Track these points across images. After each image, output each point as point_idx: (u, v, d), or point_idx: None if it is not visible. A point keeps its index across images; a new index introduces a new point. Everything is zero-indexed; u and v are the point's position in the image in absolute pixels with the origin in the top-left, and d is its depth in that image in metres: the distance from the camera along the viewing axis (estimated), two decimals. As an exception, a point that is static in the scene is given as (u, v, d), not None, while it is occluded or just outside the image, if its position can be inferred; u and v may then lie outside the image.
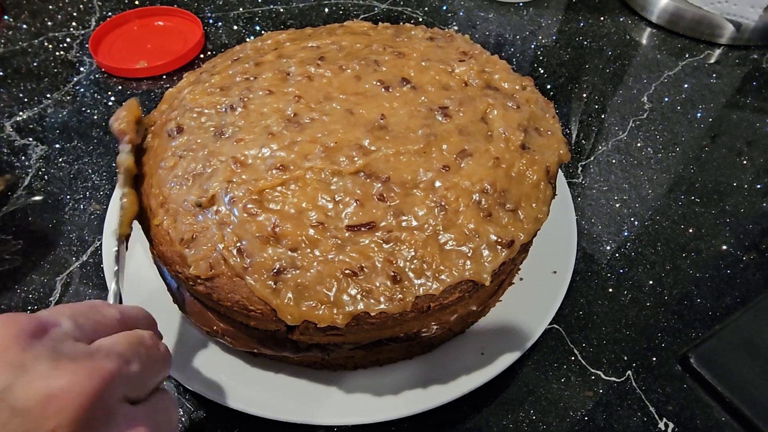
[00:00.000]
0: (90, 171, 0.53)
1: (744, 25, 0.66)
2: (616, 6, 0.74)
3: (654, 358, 0.41)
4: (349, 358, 0.36)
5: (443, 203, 0.32)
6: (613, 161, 0.55)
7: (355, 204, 0.32)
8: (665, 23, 0.70)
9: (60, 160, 0.54)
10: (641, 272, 0.46)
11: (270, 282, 0.30)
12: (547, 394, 0.39)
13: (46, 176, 0.52)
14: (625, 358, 0.41)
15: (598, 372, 0.40)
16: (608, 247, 0.48)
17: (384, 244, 0.31)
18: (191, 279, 0.32)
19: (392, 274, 0.30)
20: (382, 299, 0.30)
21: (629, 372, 0.40)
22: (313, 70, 0.40)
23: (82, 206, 0.50)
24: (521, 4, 0.74)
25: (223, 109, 0.38)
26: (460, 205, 0.33)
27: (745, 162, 0.56)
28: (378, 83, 0.39)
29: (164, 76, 0.63)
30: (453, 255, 0.31)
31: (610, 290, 0.45)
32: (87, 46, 0.65)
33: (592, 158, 0.55)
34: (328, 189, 0.33)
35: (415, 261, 0.31)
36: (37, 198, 0.51)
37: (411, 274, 0.31)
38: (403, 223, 0.32)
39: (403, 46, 0.42)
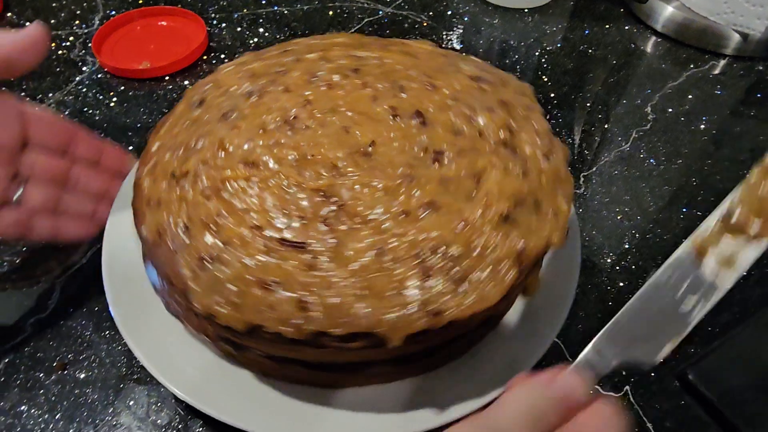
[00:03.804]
0: (91, 172, 0.53)
1: (750, 36, 0.66)
2: (622, 14, 0.74)
3: (652, 374, 0.41)
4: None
5: (383, 248, 0.31)
6: (615, 172, 0.55)
7: (299, 221, 0.32)
8: (671, 33, 0.70)
9: (61, 160, 0.54)
10: (641, 286, 0.46)
11: (195, 266, 0.31)
12: (544, 408, 0.39)
13: (47, 177, 0.52)
14: (623, 373, 0.41)
15: (597, 387, 0.40)
16: (609, 260, 0.48)
17: (308, 270, 0.30)
18: (143, 240, 0.34)
19: (300, 300, 0.30)
20: (277, 317, 0.30)
21: (627, 387, 0.40)
22: (337, 80, 0.39)
23: (82, 208, 0.50)
24: (526, 10, 0.74)
25: (243, 94, 0.39)
26: (399, 256, 0.30)
27: (747, 175, 0.55)
28: (390, 109, 0.37)
29: (167, 78, 0.63)
30: (362, 305, 0.30)
31: (610, 304, 0.45)
32: (90, 45, 0.65)
33: (594, 169, 0.55)
34: (282, 198, 0.33)
35: (326, 298, 0.30)
36: (38, 199, 0.51)
37: (317, 309, 0.30)
38: (338, 251, 0.31)
39: (441, 78, 0.39)
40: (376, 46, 0.42)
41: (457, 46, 0.69)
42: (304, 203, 0.32)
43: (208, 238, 0.32)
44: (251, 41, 0.68)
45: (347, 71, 0.39)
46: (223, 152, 0.35)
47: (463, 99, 0.37)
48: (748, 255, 0.28)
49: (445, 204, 0.32)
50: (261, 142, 0.35)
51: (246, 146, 0.35)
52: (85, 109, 0.59)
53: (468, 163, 0.34)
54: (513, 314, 0.40)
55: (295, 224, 0.31)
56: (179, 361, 0.37)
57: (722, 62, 0.68)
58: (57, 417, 0.38)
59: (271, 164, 0.34)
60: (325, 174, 0.33)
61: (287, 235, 0.31)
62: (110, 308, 0.38)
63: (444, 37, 0.70)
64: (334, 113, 0.37)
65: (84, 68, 0.63)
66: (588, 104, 0.62)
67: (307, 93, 0.38)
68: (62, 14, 0.71)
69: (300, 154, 0.34)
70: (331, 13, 0.72)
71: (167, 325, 0.38)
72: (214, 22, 0.70)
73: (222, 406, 0.35)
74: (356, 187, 0.33)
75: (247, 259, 0.31)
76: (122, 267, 0.41)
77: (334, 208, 0.32)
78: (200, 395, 0.35)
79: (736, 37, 0.66)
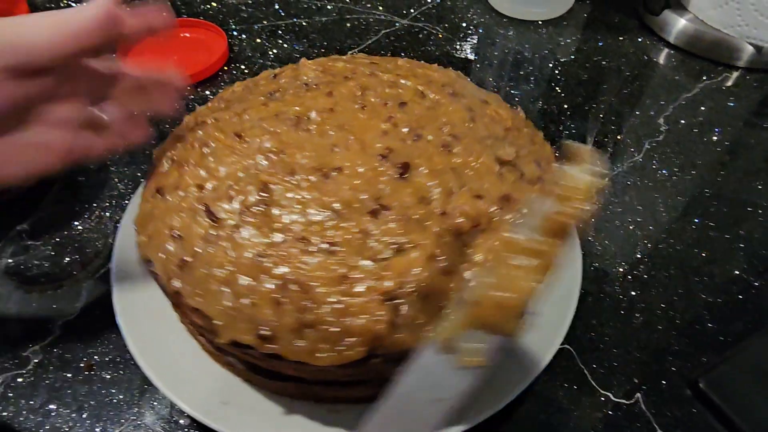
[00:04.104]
0: (116, 180, 0.55)
1: (764, 48, 0.66)
2: (635, 26, 0.75)
3: (664, 382, 0.42)
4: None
5: (263, 258, 0.31)
6: (628, 183, 0.56)
7: (229, 199, 0.34)
8: (684, 45, 0.70)
9: (88, 168, 0.56)
10: (654, 295, 0.47)
11: (151, 194, 0.36)
12: (557, 414, 0.40)
13: (74, 184, 0.54)
14: (636, 380, 0.42)
15: (608, 393, 0.41)
16: (621, 269, 0.49)
17: (205, 241, 0.33)
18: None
19: (183, 260, 0.32)
20: (162, 262, 0.33)
21: (639, 395, 0.41)
22: (374, 103, 0.39)
23: (107, 214, 0.52)
24: (540, 22, 0.75)
25: (300, 84, 0.42)
26: (270, 270, 0.31)
27: (760, 186, 0.56)
28: (385, 150, 0.35)
29: (189, 88, 0.64)
30: (220, 291, 0.31)
31: (622, 312, 0.46)
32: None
33: (606, 180, 0.56)
34: (235, 174, 0.35)
35: (200, 269, 0.32)
36: (66, 205, 0.53)
37: (188, 274, 0.32)
38: (235, 236, 0.32)
39: (465, 146, 0.36)
40: (447, 93, 0.40)
41: (471, 57, 0.70)
42: (248, 187, 0.34)
43: (173, 177, 0.36)
44: (271, 52, 0.69)
45: (392, 101, 0.39)
46: (237, 119, 0.39)
47: (463, 174, 0.35)
48: (491, 345, 0.26)
49: (344, 253, 0.31)
50: (265, 125, 0.38)
51: (254, 123, 0.38)
52: (111, 118, 0.61)
53: (401, 232, 0.32)
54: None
55: (224, 200, 0.34)
56: (189, 376, 0.38)
57: (735, 74, 0.68)
58: (84, 416, 0.40)
59: (252, 144, 0.36)
60: (278, 173, 0.35)
61: (213, 204, 0.34)
62: (119, 326, 0.40)
63: (458, 48, 0.71)
64: (339, 130, 0.37)
65: (109, 78, 0.65)
66: (601, 115, 0.63)
67: (338, 103, 0.39)
68: (88, 26, 0.73)
69: (278, 149, 0.36)
70: (348, 25, 0.74)
71: (178, 342, 0.40)
72: (235, 33, 0.72)
73: (226, 420, 0.36)
74: (290, 195, 0.33)
75: (176, 207, 0.34)
76: (132, 282, 0.42)
77: (261, 206, 0.33)
78: (201, 407, 0.36)
79: (750, 49, 0.67)
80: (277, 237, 0.32)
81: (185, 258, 0.32)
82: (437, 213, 0.33)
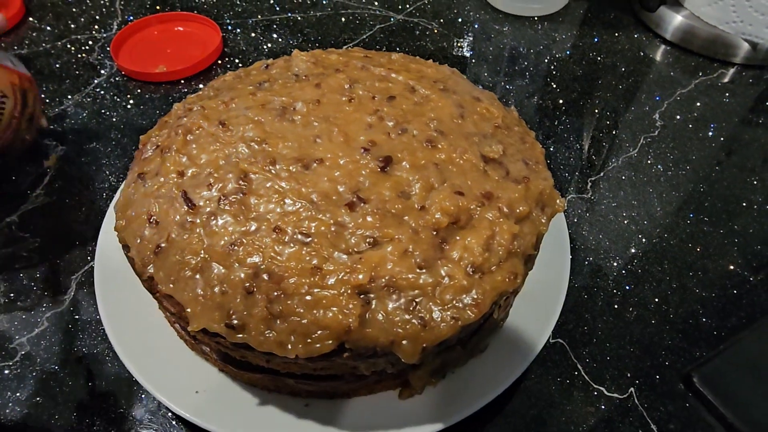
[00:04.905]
0: (108, 172, 0.54)
1: (760, 45, 0.66)
2: (631, 22, 0.75)
3: (657, 376, 0.41)
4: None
5: (236, 245, 0.31)
6: (623, 178, 0.56)
7: (208, 187, 0.33)
8: (679, 41, 0.70)
9: (80, 160, 0.55)
10: (647, 290, 0.47)
11: (134, 179, 0.37)
12: (549, 408, 0.40)
13: (64, 176, 0.54)
14: (629, 375, 0.41)
15: (601, 388, 0.41)
16: (615, 264, 0.48)
17: (181, 228, 0.32)
18: None
19: (159, 246, 0.32)
20: (138, 248, 0.33)
21: (632, 389, 0.41)
22: (362, 97, 0.39)
23: (99, 206, 0.51)
24: (536, 18, 0.75)
25: (291, 75, 0.42)
26: (243, 259, 0.31)
27: (755, 182, 0.56)
28: (368, 143, 0.35)
29: (182, 81, 0.64)
30: (190, 278, 0.31)
31: (616, 307, 0.45)
32: (108, 49, 0.67)
33: (602, 174, 0.56)
34: (216, 162, 0.35)
35: (174, 257, 0.32)
36: (56, 197, 0.52)
37: (160, 261, 0.33)
38: (210, 224, 0.32)
39: (450, 142, 0.36)
40: (438, 89, 0.40)
41: (467, 54, 0.70)
42: (227, 176, 0.34)
43: (155, 163, 0.36)
44: (265, 47, 0.69)
45: (381, 95, 0.39)
46: (223, 107, 0.39)
47: (446, 170, 0.34)
48: None
49: (317, 245, 0.30)
50: (250, 114, 0.37)
51: (240, 112, 0.38)
52: (103, 111, 0.60)
53: (378, 225, 0.31)
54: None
55: (203, 187, 0.34)
56: (165, 364, 0.38)
57: (731, 70, 0.68)
58: (71, 408, 0.39)
59: (236, 133, 0.36)
60: (259, 163, 0.34)
61: (191, 191, 0.33)
62: (100, 314, 0.40)
63: (454, 44, 0.71)
64: (324, 121, 0.37)
65: (102, 71, 0.65)
66: (596, 111, 0.62)
67: (325, 95, 0.39)
68: (82, 19, 0.72)
69: (261, 138, 0.36)
70: (343, 19, 0.74)
71: (157, 330, 0.39)
72: (229, 27, 0.72)
73: (197, 409, 0.35)
74: (268, 185, 0.33)
75: (155, 193, 0.34)
76: (115, 269, 0.42)
77: (239, 194, 0.33)
78: (172, 394, 0.36)
79: (746, 45, 0.67)
80: (252, 226, 0.31)
81: (161, 244, 0.32)
82: (416, 208, 0.32)
